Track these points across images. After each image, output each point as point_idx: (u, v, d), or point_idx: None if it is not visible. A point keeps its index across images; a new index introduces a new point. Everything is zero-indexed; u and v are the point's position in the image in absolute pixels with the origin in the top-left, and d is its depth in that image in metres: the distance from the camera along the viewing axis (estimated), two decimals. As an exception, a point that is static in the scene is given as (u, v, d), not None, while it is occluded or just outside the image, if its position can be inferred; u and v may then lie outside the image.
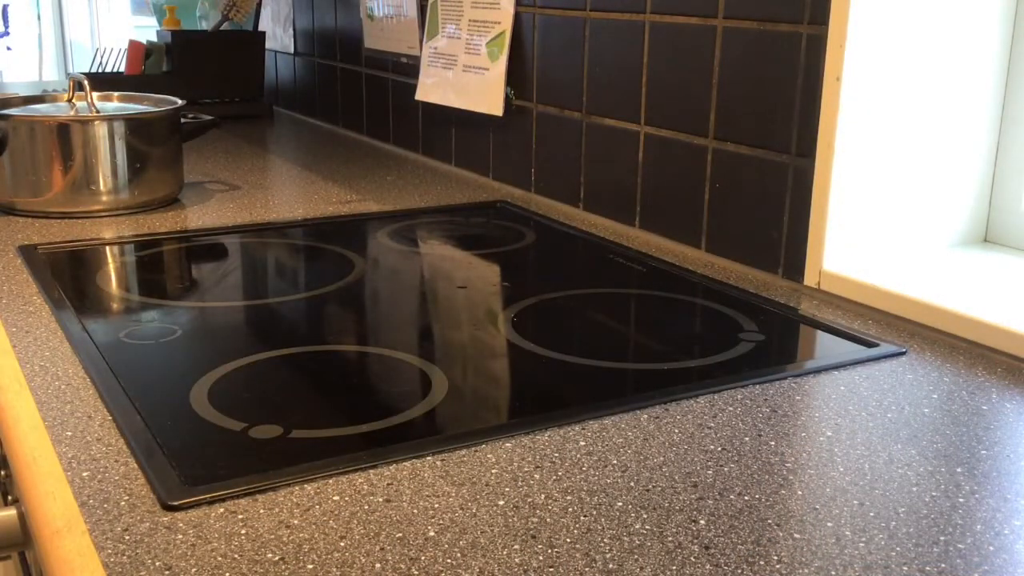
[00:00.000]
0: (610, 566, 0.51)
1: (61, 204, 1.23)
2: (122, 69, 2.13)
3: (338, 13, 1.93)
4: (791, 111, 0.99)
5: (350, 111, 1.91)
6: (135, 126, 1.26)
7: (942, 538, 0.54)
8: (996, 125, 1.03)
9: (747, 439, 0.67)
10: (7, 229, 1.17)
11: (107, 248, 1.12)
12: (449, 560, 0.51)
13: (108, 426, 0.66)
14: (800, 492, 0.59)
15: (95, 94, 1.31)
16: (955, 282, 0.93)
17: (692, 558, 0.52)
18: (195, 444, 0.66)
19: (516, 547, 0.53)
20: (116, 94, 1.40)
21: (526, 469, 0.61)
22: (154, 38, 2.14)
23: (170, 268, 1.09)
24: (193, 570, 0.50)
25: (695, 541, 0.53)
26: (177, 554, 0.52)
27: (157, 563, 0.51)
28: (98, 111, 1.27)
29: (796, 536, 0.54)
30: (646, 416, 0.69)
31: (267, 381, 0.77)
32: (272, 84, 2.27)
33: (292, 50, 2.17)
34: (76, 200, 1.23)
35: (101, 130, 1.23)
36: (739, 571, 0.51)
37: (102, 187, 1.24)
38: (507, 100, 1.41)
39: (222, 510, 0.56)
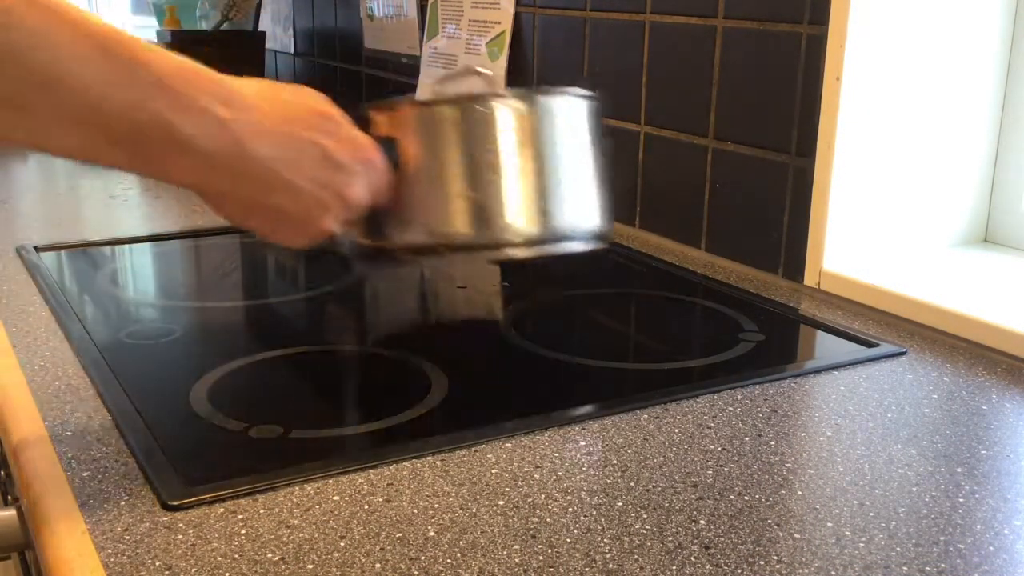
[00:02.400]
0: (610, 566, 0.51)
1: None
2: (122, 69, 2.12)
3: (338, 13, 1.93)
4: (791, 111, 0.99)
5: (349, 111, 1.91)
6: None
7: (942, 538, 0.54)
8: (996, 125, 1.03)
9: (747, 439, 0.67)
10: (7, 229, 1.17)
11: (107, 248, 1.12)
12: (449, 560, 0.51)
13: (108, 426, 0.66)
14: (800, 492, 0.59)
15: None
16: (955, 282, 0.93)
17: (692, 558, 0.52)
18: (195, 444, 0.66)
19: (516, 547, 0.53)
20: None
21: (526, 469, 0.61)
22: (154, 38, 2.14)
23: (171, 268, 1.09)
24: (193, 570, 0.50)
25: (695, 541, 0.53)
26: (177, 554, 0.52)
27: (157, 563, 0.51)
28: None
29: (796, 536, 0.54)
30: (646, 416, 0.69)
31: (267, 381, 0.77)
32: (272, 84, 2.27)
33: (292, 50, 2.17)
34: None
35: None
36: (739, 571, 0.51)
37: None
38: (507, 100, 1.41)
39: (222, 510, 0.56)
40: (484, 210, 0.71)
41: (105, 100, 0.49)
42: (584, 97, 0.77)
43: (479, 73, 0.80)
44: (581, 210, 0.76)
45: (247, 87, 0.57)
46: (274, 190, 0.58)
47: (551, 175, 0.73)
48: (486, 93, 0.73)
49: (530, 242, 0.73)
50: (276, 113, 0.57)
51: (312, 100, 0.61)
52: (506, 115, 0.72)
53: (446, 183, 0.71)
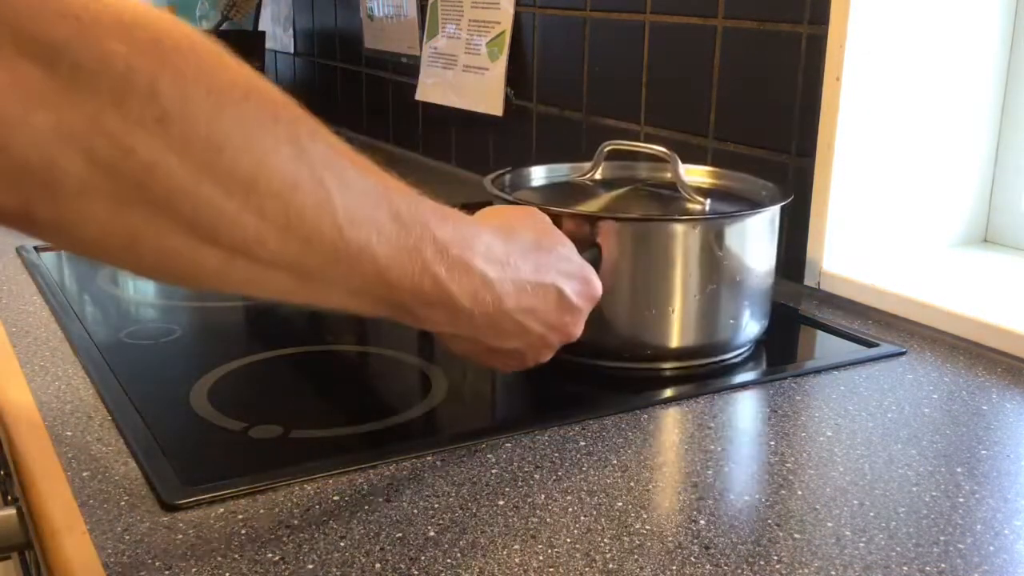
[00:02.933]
0: (610, 566, 0.51)
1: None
2: (122, 69, 2.12)
3: (338, 13, 1.93)
4: (791, 111, 0.99)
5: (350, 111, 1.91)
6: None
7: (942, 538, 0.54)
8: (996, 125, 1.03)
9: (747, 439, 0.67)
10: (7, 229, 1.16)
11: (107, 248, 1.12)
12: (449, 560, 0.51)
13: (108, 426, 0.66)
14: (800, 492, 0.59)
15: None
16: (955, 282, 0.93)
17: (692, 558, 0.52)
18: (195, 444, 0.66)
19: (516, 547, 0.53)
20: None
21: (526, 469, 0.61)
22: (154, 38, 2.13)
23: (170, 268, 1.09)
24: (193, 570, 0.50)
25: (695, 541, 0.53)
26: (177, 554, 0.52)
27: (157, 563, 0.51)
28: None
29: (796, 536, 0.54)
30: (646, 416, 0.69)
31: (267, 381, 0.77)
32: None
33: (292, 50, 2.17)
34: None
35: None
36: (739, 571, 0.51)
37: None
38: (507, 100, 1.41)
39: (222, 510, 0.56)
40: (667, 323, 0.77)
41: (392, 269, 0.50)
42: (778, 207, 0.80)
43: (660, 151, 0.83)
44: (752, 322, 0.81)
45: (495, 231, 0.58)
46: (512, 336, 0.61)
47: (736, 292, 0.78)
48: (681, 217, 0.78)
49: (699, 353, 0.79)
50: (529, 262, 0.60)
51: (547, 235, 0.64)
52: (701, 234, 0.76)
53: (636, 295, 0.76)
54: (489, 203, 0.83)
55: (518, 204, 0.78)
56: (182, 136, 0.40)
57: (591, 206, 0.82)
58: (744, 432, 0.68)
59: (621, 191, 0.86)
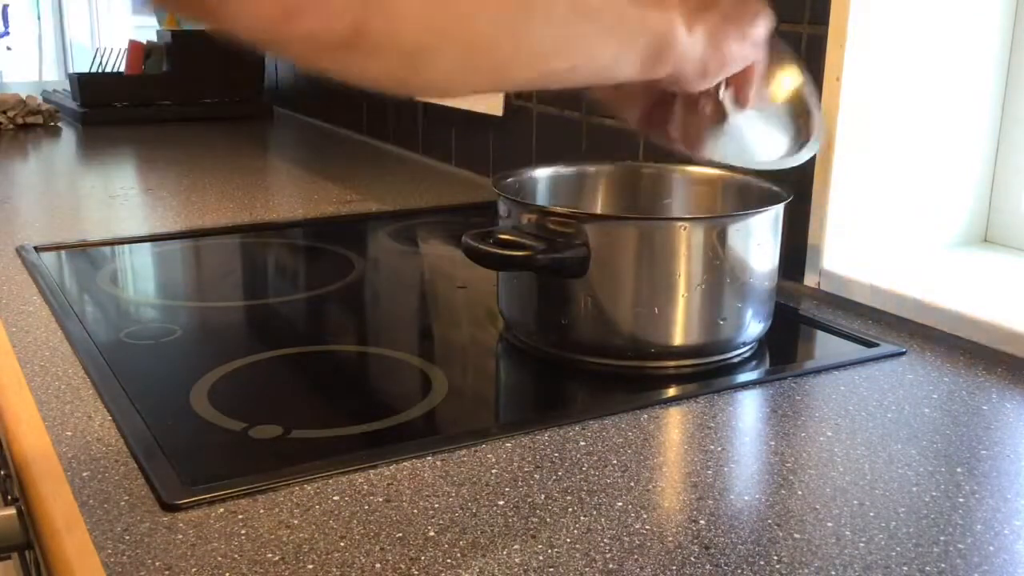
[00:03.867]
0: (610, 566, 0.51)
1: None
2: (122, 69, 2.13)
3: (338, 13, 1.93)
4: (791, 111, 0.99)
5: (350, 111, 1.91)
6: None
7: (942, 538, 0.54)
8: (996, 125, 1.03)
9: (747, 439, 0.67)
10: (7, 229, 1.17)
11: (107, 248, 1.12)
12: (449, 560, 0.51)
13: (108, 426, 0.66)
14: (800, 492, 0.59)
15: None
16: (955, 282, 0.93)
17: (692, 558, 0.52)
18: (195, 444, 0.66)
19: (516, 547, 0.53)
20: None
21: (526, 469, 0.61)
22: (154, 38, 2.14)
23: (170, 268, 1.09)
24: (193, 570, 0.50)
25: (695, 541, 0.53)
26: (177, 554, 0.52)
27: (157, 563, 0.51)
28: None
29: (796, 536, 0.54)
30: (646, 416, 0.69)
31: (267, 381, 0.77)
32: (272, 84, 2.27)
33: (292, 50, 2.17)
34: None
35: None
36: (739, 571, 0.51)
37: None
38: (507, 100, 1.41)
39: (222, 510, 0.56)
40: (671, 321, 0.78)
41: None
42: (781, 206, 0.81)
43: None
44: (755, 321, 0.81)
45: None
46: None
47: (739, 292, 0.79)
48: (685, 216, 0.80)
49: (703, 352, 0.79)
50: None
51: None
52: (704, 233, 0.77)
53: (640, 294, 0.77)
54: (493, 202, 0.83)
55: (523, 202, 0.80)
56: None
57: (596, 205, 0.83)
58: (744, 432, 0.68)
59: (625, 190, 0.86)
